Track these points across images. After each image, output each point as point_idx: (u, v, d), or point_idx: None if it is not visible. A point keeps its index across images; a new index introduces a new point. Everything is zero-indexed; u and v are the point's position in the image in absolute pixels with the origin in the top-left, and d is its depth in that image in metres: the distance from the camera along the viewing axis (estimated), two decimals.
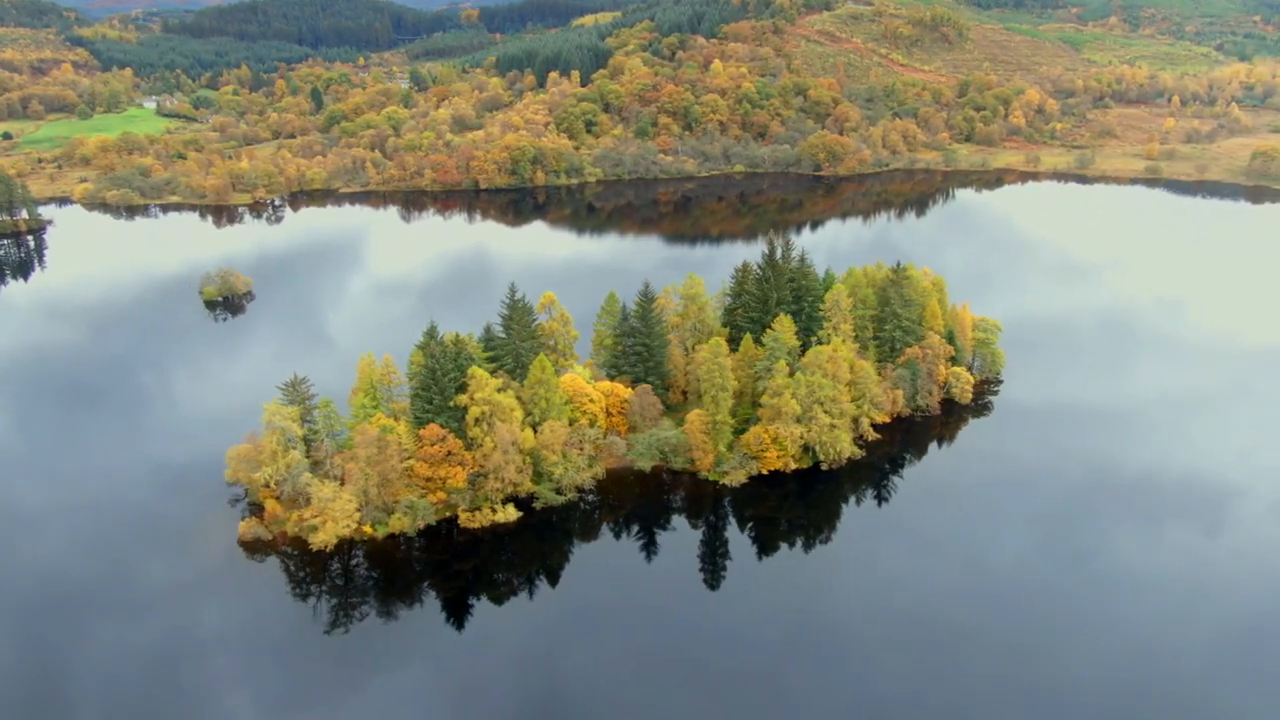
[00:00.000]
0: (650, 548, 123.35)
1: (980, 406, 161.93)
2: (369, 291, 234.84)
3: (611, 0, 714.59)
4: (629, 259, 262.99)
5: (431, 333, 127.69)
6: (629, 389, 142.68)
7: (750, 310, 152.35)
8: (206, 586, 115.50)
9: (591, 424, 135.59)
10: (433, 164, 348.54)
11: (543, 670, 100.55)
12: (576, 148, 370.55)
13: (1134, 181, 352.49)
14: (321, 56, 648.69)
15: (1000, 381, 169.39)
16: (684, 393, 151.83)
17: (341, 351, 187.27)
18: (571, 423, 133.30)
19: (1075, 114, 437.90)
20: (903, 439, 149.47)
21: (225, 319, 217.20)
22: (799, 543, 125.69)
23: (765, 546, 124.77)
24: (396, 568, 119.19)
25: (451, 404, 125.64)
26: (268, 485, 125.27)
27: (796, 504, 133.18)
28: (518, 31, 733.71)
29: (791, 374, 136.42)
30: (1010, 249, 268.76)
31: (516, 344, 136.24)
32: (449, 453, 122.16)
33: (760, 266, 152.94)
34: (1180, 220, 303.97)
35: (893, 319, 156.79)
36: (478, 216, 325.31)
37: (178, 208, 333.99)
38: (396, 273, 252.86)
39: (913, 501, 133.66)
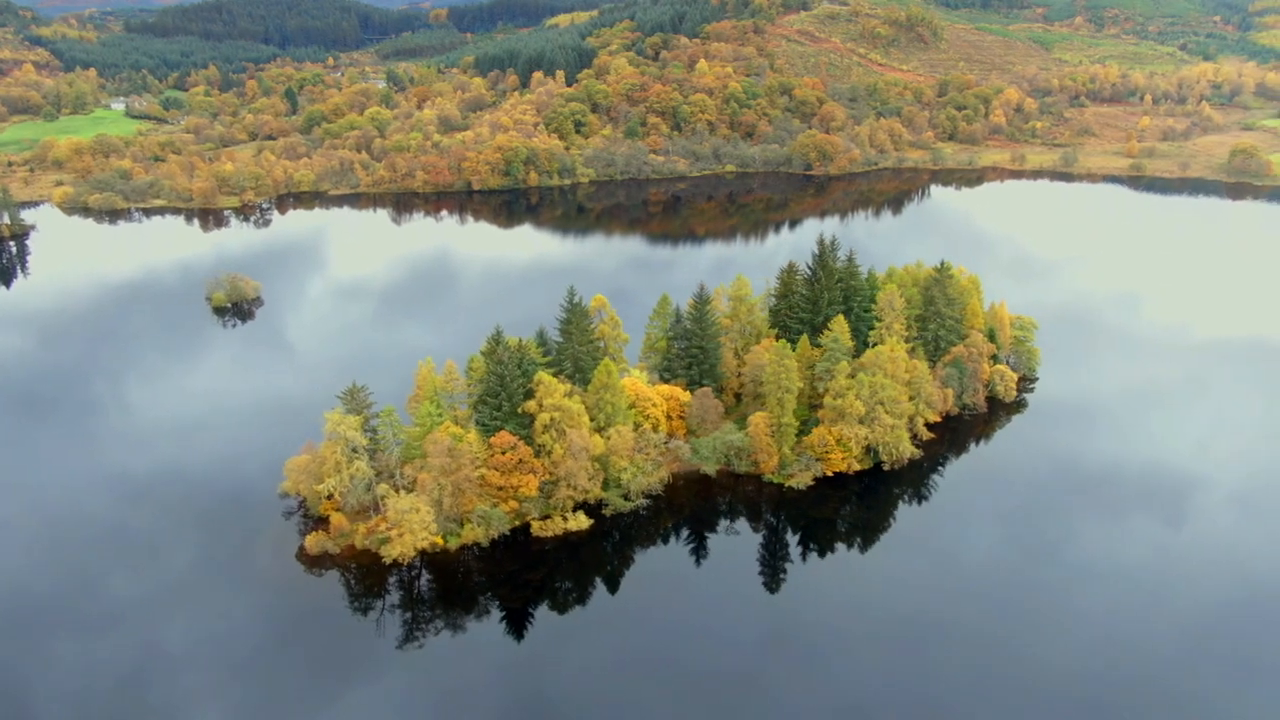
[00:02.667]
0: (720, 554, 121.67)
1: (1018, 404, 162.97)
2: (379, 295, 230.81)
3: (583, 0, 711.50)
4: (604, 260, 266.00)
5: (497, 338, 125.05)
6: (686, 392, 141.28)
7: (800, 311, 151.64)
8: (276, 603, 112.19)
9: (654, 428, 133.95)
10: (424, 165, 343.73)
11: (620, 686, 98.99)
12: (567, 148, 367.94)
13: (1117, 180, 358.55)
14: (290, 56, 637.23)
15: (1036, 379, 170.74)
16: (736, 395, 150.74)
17: (368, 356, 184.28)
18: (636, 427, 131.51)
19: (1053, 113, 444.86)
20: (952, 437, 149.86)
21: (235, 325, 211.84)
22: (877, 544, 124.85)
23: (839, 549, 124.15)
24: (471, 579, 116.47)
25: (520, 410, 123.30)
26: (330, 497, 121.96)
27: (865, 505, 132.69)
28: (488, 31, 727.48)
29: (851, 375, 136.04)
30: (982, 245, 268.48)
31: (576, 348, 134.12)
32: (520, 460, 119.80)
33: (810, 267, 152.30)
34: (1161, 216, 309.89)
35: (937, 318, 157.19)
36: (470, 218, 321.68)
37: (161, 211, 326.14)
38: (398, 275, 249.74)
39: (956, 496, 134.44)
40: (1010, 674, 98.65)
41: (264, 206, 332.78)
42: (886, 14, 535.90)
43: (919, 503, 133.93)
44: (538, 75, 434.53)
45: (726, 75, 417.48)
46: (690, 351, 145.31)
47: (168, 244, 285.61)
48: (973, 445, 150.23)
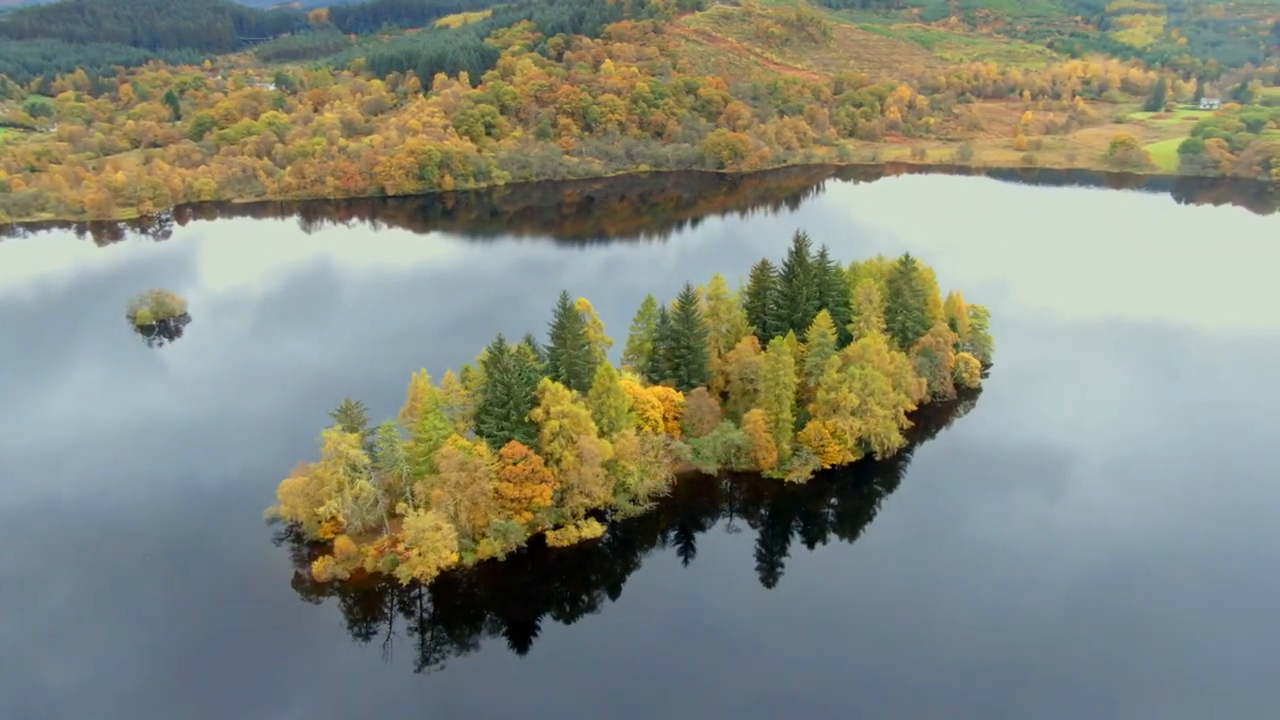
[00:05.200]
0: (732, 553, 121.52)
1: (978, 389, 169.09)
2: (309, 306, 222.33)
3: (470, 1, 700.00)
4: (498, 262, 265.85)
5: (500, 346, 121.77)
6: (678, 393, 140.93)
7: (779, 308, 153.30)
8: (292, 639, 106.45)
9: (654, 430, 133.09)
10: (334, 171, 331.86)
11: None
12: (479, 150, 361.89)
13: (1012, 173, 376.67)
14: (163, 59, 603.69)
15: (991, 365, 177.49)
16: (722, 394, 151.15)
17: (318, 370, 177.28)
18: (637, 430, 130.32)
19: (943, 109, 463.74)
20: (926, 424, 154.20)
21: (163, 344, 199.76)
22: (886, 531, 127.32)
23: (846, 539, 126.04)
24: (492, 595, 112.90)
25: (526, 419, 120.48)
26: (332, 519, 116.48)
27: (868, 494, 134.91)
28: (373, 32, 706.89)
29: (841, 369, 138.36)
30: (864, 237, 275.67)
31: (571, 353, 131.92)
32: (532, 470, 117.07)
33: (786, 264, 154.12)
34: (1052, 206, 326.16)
35: (904, 310, 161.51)
36: (384, 224, 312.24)
37: (48, 225, 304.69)
38: (324, 285, 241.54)
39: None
40: (912, 650, 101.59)
41: (163, 217, 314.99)
42: (778, 14, 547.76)
43: (919, 488, 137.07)
44: (440, 77, 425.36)
45: (633, 75, 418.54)
46: (678, 352, 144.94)
47: (66, 261, 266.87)
48: (943, 431, 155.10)
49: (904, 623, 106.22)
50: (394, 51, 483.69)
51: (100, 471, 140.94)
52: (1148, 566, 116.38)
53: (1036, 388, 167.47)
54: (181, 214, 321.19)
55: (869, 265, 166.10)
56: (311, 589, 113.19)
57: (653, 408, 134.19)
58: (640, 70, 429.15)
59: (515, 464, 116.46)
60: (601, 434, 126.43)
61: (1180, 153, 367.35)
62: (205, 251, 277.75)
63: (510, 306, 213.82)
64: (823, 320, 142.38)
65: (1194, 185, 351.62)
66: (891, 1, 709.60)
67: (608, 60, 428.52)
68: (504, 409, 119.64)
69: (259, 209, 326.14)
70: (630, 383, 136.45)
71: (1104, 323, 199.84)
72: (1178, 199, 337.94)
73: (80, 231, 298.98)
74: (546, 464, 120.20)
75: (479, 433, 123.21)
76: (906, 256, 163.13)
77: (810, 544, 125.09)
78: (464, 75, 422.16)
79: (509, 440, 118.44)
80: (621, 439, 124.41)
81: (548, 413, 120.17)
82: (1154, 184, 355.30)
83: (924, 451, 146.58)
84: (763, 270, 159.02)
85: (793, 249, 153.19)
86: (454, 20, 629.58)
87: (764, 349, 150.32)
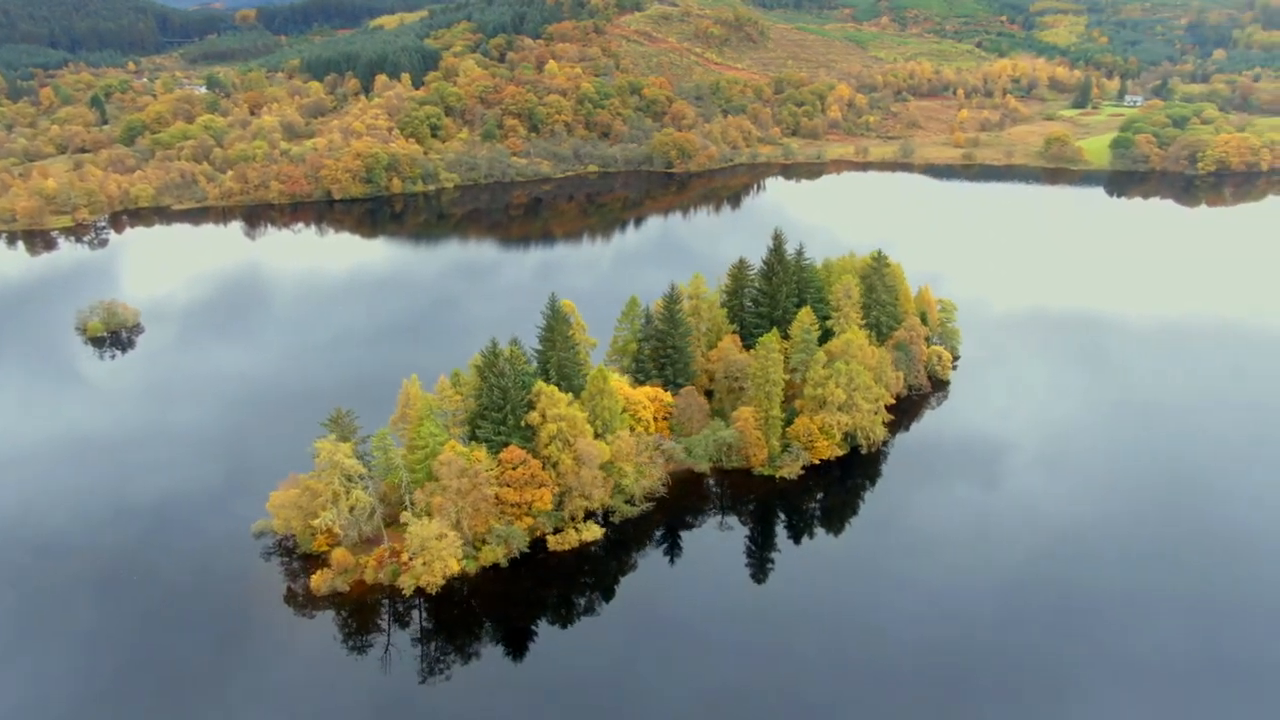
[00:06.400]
0: (729, 551, 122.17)
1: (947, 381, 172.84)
2: (264, 312, 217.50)
3: (403, 1, 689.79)
4: (426, 267, 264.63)
5: (494, 349, 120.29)
6: (666, 393, 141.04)
7: (759, 305, 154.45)
8: (280, 651, 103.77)
9: (645, 431, 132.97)
10: (278, 175, 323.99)
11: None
12: (425, 153, 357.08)
13: (951, 169, 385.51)
14: (84, 61, 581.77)
15: (959, 357, 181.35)
16: (707, 392, 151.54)
17: (285, 379, 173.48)
18: (630, 431, 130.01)
19: (881, 107, 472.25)
20: (903, 417, 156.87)
21: (116, 356, 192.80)
22: (881, 524, 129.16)
23: (842, 533, 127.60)
24: (495, 602, 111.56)
25: (523, 423, 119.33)
26: (327, 531, 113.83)
27: (854, 488, 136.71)
28: (303, 33, 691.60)
29: (827, 364, 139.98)
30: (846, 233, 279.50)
31: (560, 355, 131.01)
32: (532, 474, 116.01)
33: (766, 262, 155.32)
34: (991, 201, 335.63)
35: (878, 305, 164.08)
36: (331, 230, 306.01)
37: None
38: (272, 291, 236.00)
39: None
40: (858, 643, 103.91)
41: (99, 225, 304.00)
42: (716, 14, 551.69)
43: (912, 479, 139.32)
44: (381, 78, 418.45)
45: (577, 76, 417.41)
46: (664, 352, 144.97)
47: None
48: (919, 424, 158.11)
49: (904, 614, 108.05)
50: (331, 53, 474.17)
51: (48, 490, 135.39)
52: (1078, 551, 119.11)
53: (999, 378, 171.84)
54: (118, 221, 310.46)
55: (842, 262, 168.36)
56: (310, 603, 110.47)
57: (644, 408, 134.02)
58: (584, 71, 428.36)
59: (515, 468, 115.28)
60: (596, 436, 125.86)
61: (1112, 148, 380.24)
62: (148, 260, 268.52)
63: (449, 310, 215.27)
64: (805, 317, 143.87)
65: (1125, 180, 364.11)
66: (824, 2, 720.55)
67: (551, 61, 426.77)
68: (500, 413, 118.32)
69: (199, 215, 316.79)
70: (621, 384, 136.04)
71: (1045, 315, 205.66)
72: (1110, 193, 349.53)
73: (11, 241, 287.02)
74: (544, 468, 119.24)
75: (473, 438, 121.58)
76: (879, 252, 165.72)
77: (807, 539, 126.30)
78: (406, 77, 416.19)
79: (506, 445, 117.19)
80: (617, 440, 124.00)
81: (544, 416, 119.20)
82: (1088, 179, 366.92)
83: (904, 443, 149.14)
84: (740, 269, 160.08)
85: (771, 247, 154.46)
86: (388, 21, 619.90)
87: (745, 347, 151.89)
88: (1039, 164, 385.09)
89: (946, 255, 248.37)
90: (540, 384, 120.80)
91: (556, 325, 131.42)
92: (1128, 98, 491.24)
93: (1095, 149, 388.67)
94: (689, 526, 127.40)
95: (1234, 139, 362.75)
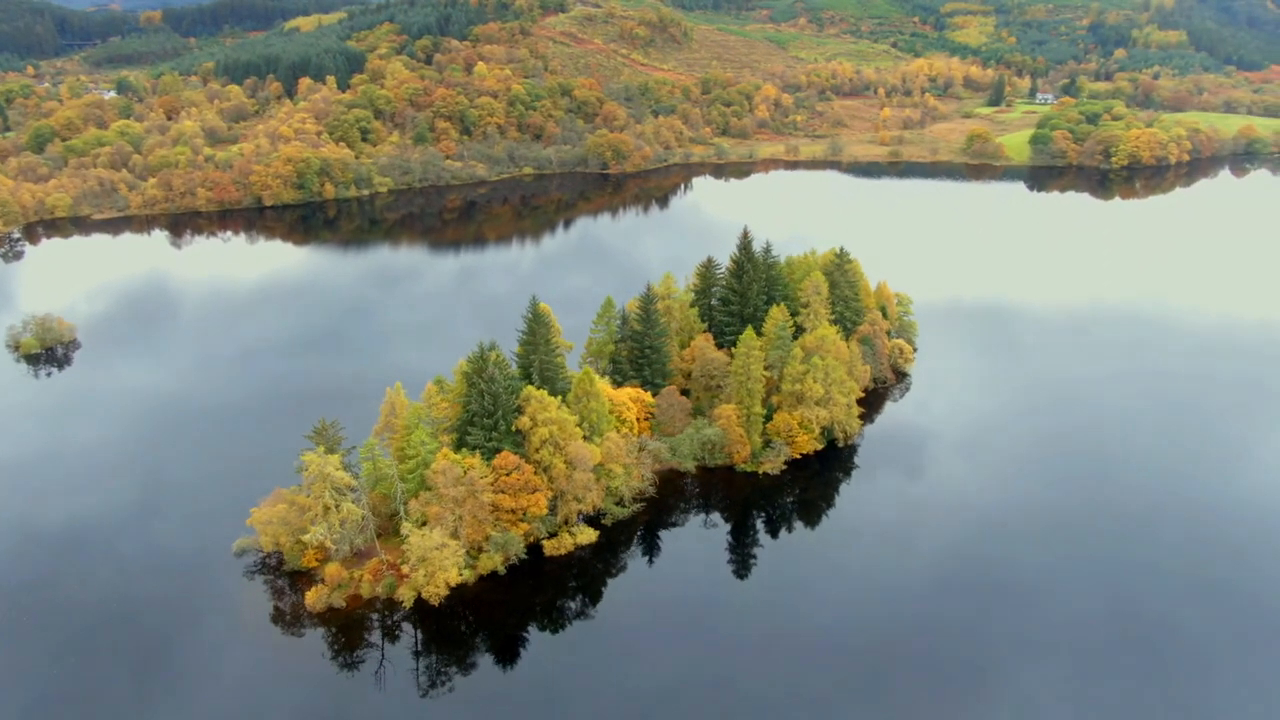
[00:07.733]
0: (723, 547, 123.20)
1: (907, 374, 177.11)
2: (203, 323, 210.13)
3: (316, 3, 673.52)
4: (344, 273, 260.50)
5: (483, 354, 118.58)
6: (647, 394, 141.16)
7: (730, 303, 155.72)
8: (282, 669, 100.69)
9: (630, 432, 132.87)
10: (205, 182, 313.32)
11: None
12: (357, 157, 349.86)
13: (879, 170, 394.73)
14: None
15: (916, 349, 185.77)
16: (683, 391, 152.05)
17: (234, 392, 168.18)
18: (617, 432, 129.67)
19: (806, 106, 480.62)
20: (871, 410, 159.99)
21: (51, 374, 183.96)
22: (867, 514, 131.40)
23: (834, 525, 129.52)
24: (497, 609, 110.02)
25: (513, 429, 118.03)
26: (318, 546, 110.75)
27: (833, 480, 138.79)
28: (213, 35, 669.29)
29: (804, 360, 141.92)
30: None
31: (542, 358, 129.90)
32: (526, 480, 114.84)
33: (736, 260, 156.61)
34: (910, 198, 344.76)
35: (841, 301, 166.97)
36: (261, 237, 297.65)
37: None
38: (216, 302, 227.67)
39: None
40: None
41: (13, 237, 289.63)
42: (639, 15, 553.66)
43: (894, 470, 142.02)
44: (305, 82, 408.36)
45: (507, 78, 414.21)
46: (642, 352, 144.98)
47: None
48: (884, 416, 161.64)
49: (896, 604, 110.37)
50: (249, 55, 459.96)
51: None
52: (1005, 534, 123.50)
53: (951, 368, 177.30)
54: (33, 233, 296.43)
55: (804, 259, 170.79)
56: (300, 621, 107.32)
57: (627, 409, 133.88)
58: (513, 72, 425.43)
59: (509, 474, 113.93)
60: (584, 439, 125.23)
61: (1031, 145, 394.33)
62: (73, 273, 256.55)
63: (362, 318, 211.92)
64: (779, 314, 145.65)
65: (1045, 175, 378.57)
66: (741, 3, 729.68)
67: (480, 63, 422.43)
68: (491, 419, 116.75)
69: (122, 225, 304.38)
70: (604, 385, 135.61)
71: (978, 305, 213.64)
72: (1030, 187, 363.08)
73: None
74: (536, 472, 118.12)
75: (462, 445, 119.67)
76: (841, 249, 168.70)
77: (786, 534, 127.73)
78: (331, 79, 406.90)
79: (499, 451, 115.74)
80: (607, 442, 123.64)
81: (534, 420, 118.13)
82: (1009, 174, 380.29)
83: (875, 435, 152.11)
84: (708, 268, 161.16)
85: (740, 245, 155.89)
86: (304, 23, 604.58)
87: (717, 346, 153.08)
88: (963, 160, 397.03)
89: (881, 251, 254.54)
90: (529, 388, 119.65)
91: (538, 328, 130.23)
92: (1040, 95, 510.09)
93: (1015, 145, 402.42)
94: (678, 525, 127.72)
95: (1144, 134, 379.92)
